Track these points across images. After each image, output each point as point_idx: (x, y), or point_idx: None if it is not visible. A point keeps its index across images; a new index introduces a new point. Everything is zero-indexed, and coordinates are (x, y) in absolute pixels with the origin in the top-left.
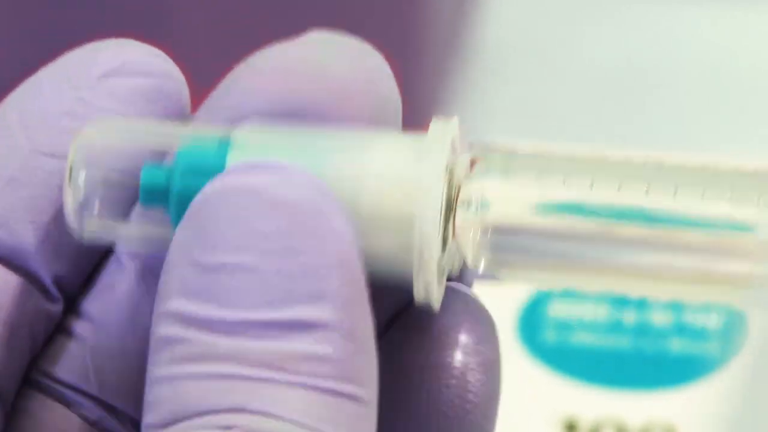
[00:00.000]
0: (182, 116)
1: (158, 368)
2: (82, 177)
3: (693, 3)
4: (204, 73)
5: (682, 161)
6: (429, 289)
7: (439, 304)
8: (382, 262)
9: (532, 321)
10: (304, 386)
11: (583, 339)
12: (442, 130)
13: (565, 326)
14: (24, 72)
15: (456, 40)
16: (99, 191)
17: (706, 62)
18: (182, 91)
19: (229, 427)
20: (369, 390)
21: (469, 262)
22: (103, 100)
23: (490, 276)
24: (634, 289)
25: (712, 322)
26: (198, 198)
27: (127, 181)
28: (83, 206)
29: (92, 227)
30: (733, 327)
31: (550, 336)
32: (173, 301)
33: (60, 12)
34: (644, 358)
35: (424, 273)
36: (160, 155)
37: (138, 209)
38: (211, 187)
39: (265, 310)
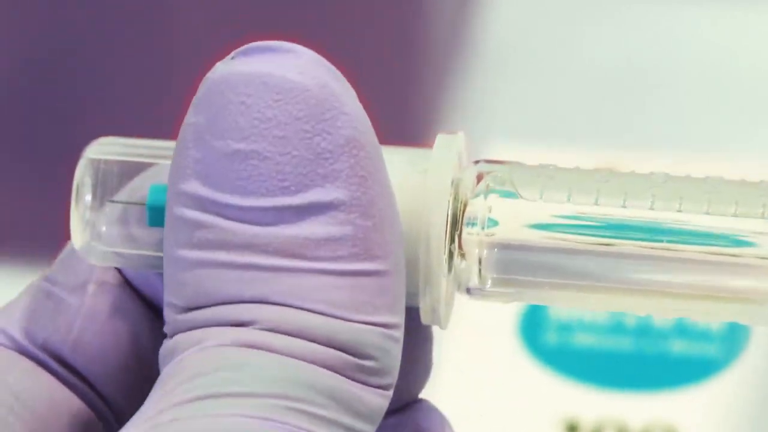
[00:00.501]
0: None
1: (178, 249)
2: (88, 198)
3: (693, 3)
4: (204, 73)
5: (686, 176)
6: (436, 310)
7: (447, 325)
8: None
9: (533, 323)
10: (324, 272)
11: (584, 340)
12: (447, 147)
13: (566, 328)
14: (24, 72)
15: (457, 40)
16: (106, 212)
17: (706, 62)
18: None
19: (251, 322)
20: (390, 261)
21: (476, 280)
22: None
23: (496, 297)
24: (642, 307)
25: (714, 324)
26: (208, 81)
27: (134, 201)
28: (90, 227)
29: (99, 248)
30: (736, 329)
31: (551, 337)
32: (190, 182)
33: (60, 12)
34: (645, 359)
35: (431, 293)
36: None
37: (145, 229)
38: (220, 72)
39: (281, 196)
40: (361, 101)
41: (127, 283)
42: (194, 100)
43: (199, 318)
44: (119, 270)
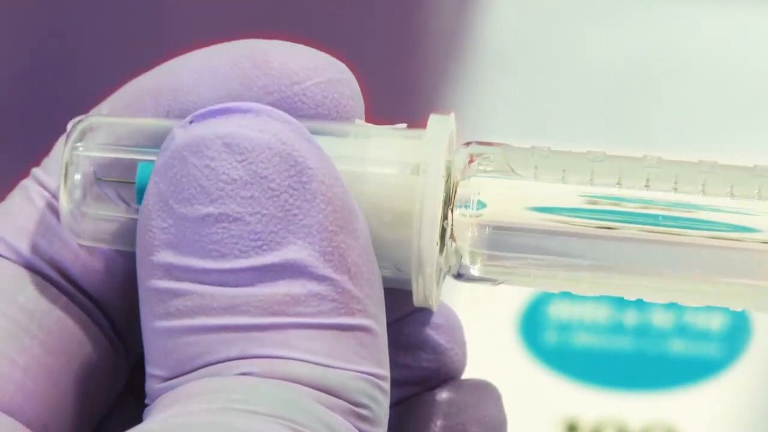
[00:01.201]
0: None
1: (157, 321)
2: (78, 177)
3: (693, 3)
4: None
5: (680, 158)
6: (428, 292)
7: (438, 305)
8: (379, 261)
9: (533, 322)
10: (306, 326)
11: (583, 340)
12: (439, 127)
13: (565, 327)
14: (24, 72)
15: (457, 40)
16: (95, 191)
17: (706, 62)
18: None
19: (246, 373)
20: (370, 317)
21: (467, 261)
22: None
23: (486, 279)
24: (632, 291)
25: (714, 323)
26: (168, 148)
27: (123, 180)
28: (79, 206)
29: (88, 227)
30: (736, 329)
31: (551, 337)
32: (160, 253)
33: (60, 12)
34: (645, 359)
35: (423, 276)
36: (155, 153)
37: (135, 208)
38: (180, 138)
39: (255, 256)
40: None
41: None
42: (155, 168)
43: (186, 381)
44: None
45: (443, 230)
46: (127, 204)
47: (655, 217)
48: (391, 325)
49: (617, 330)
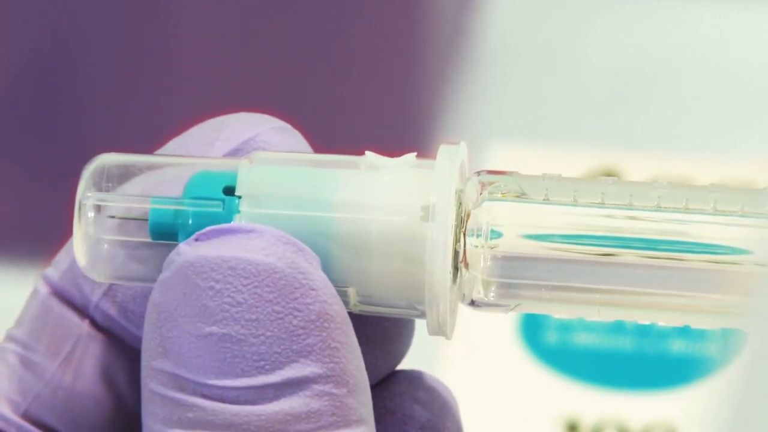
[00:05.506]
0: None
1: (160, 425)
2: (91, 215)
3: (693, 3)
4: (204, 73)
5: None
6: (442, 322)
7: (452, 334)
8: (392, 294)
9: (533, 322)
10: None
11: (584, 340)
12: (450, 158)
13: (566, 328)
14: (23, 73)
15: (458, 42)
16: (108, 228)
17: (706, 63)
18: None
19: None
20: (365, 422)
21: (480, 289)
22: None
23: (500, 306)
24: (645, 316)
25: None
26: (174, 264)
27: (136, 216)
28: (93, 244)
29: (102, 265)
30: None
31: (551, 337)
32: (164, 360)
33: (60, 13)
34: (646, 358)
35: (436, 306)
36: (168, 187)
37: (148, 243)
38: (185, 256)
39: (258, 375)
40: (361, 102)
41: (99, 328)
42: (161, 279)
43: None
44: (93, 318)
45: (456, 259)
46: (142, 239)
47: (669, 242)
48: (374, 395)
49: (617, 330)
